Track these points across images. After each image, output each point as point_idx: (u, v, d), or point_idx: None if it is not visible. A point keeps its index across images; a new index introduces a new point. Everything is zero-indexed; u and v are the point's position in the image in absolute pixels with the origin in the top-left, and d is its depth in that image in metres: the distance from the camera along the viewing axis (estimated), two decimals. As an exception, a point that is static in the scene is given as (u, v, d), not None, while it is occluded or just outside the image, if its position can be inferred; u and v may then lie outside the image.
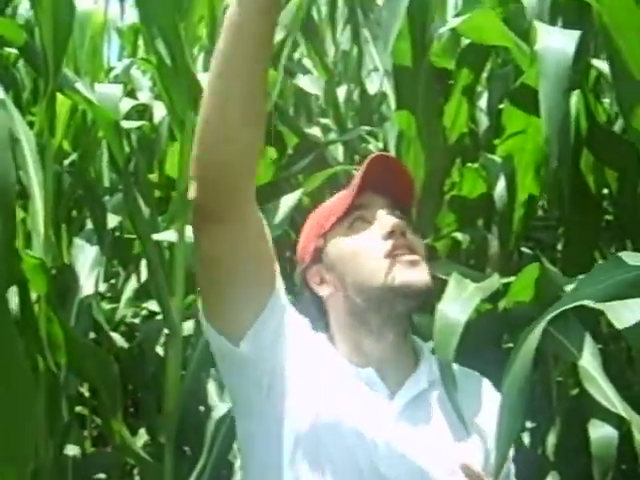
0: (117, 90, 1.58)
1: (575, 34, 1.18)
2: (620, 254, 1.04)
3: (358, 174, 1.05)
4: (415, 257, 1.02)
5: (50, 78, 1.40)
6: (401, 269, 1.00)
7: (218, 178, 0.88)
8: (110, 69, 2.42)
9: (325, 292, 1.05)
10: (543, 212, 2.14)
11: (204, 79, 1.65)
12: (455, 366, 1.05)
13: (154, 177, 2.16)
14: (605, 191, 1.85)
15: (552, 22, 1.47)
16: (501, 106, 1.71)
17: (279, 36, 1.64)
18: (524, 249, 1.96)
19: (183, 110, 1.59)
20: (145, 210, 1.60)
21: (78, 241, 1.76)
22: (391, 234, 1.01)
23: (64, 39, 1.38)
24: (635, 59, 1.00)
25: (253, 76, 0.86)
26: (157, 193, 2.22)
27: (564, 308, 1.04)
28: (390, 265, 1.00)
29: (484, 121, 1.89)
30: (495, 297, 1.39)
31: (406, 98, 1.48)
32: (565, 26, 1.43)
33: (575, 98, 1.44)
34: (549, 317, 1.06)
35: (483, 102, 1.94)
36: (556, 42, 1.17)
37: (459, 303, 1.18)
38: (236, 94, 0.86)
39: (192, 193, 0.90)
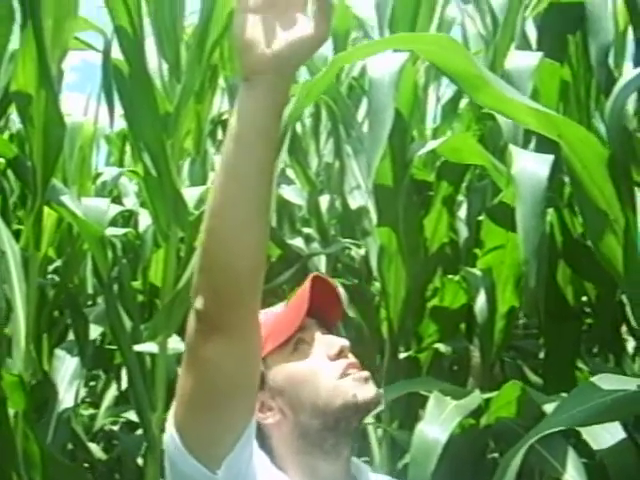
0: (103, 204, 1.61)
1: (549, 158, 1.23)
2: (597, 377, 1.06)
3: (301, 297, 1.05)
4: (367, 373, 1.05)
5: (38, 194, 1.42)
6: (359, 386, 1.02)
7: (224, 287, 0.87)
8: (97, 175, 2.46)
9: (270, 420, 1.04)
10: (525, 319, 2.16)
11: (189, 193, 1.70)
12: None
13: (138, 284, 2.17)
14: (584, 298, 1.88)
15: (526, 141, 1.54)
16: (480, 218, 1.76)
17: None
18: (506, 358, 1.97)
19: (167, 223, 1.61)
20: (127, 321, 1.60)
21: (59, 352, 1.75)
22: (340, 354, 1.03)
23: (54, 157, 1.42)
24: (600, 190, 1.04)
25: (260, 183, 0.86)
26: (140, 298, 2.22)
27: (546, 432, 1.04)
28: (348, 384, 1.02)
29: (464, 231, 1.93)
30: (477, 413, 1.39)
31: (387, 215, 1.52)
32: (538, 145, 1.50)
33: (550, 213, 1.49)
34: (532, 440, 1.06)
35: (463, 212, 2.00)
36: (531, 166, 1.22)
37: (439, 423, 1.19)
38: (243, 201, 0.85)
39: (197, 302, 0.90)
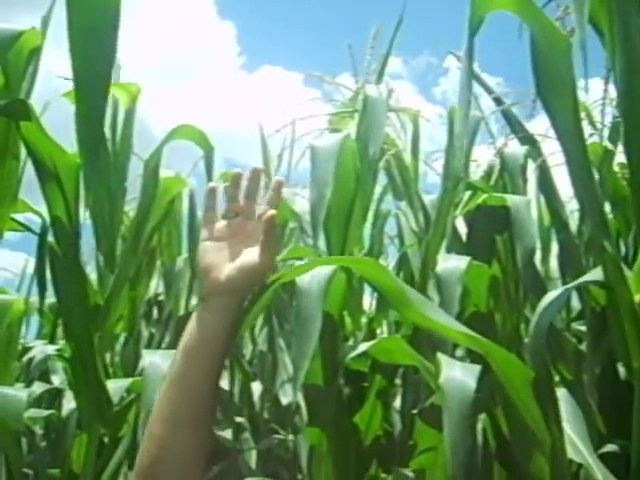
0: (23, 395, 1.53)
1: (476, 369, 1.24)
2: None
3: None
4: None
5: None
6: None
7: None
8: (25, 349, 2.38)
9: None
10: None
11: (114, 385, 1.64)
12: None
13: (57, 472, 2.04)
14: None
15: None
16: (415, 411, 1.74)
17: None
18: None
19: (89, 415, 1.55)
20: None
21: None
22: None
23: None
24: (527, 409, 1.04)
25: (206, 392, 0.86)
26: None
27: None
28: None
29: (399, 423, 1.90)
30: None
31: (318, 416, 1.49)
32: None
33: (482, 419, 1.47)
34: None
35: (398, 402, 1.97)
36: (459, 377, 1.22)
37: None
38: (188, 410, 0.85)
39: None
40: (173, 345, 1.54)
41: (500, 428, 1.58)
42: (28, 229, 1.85)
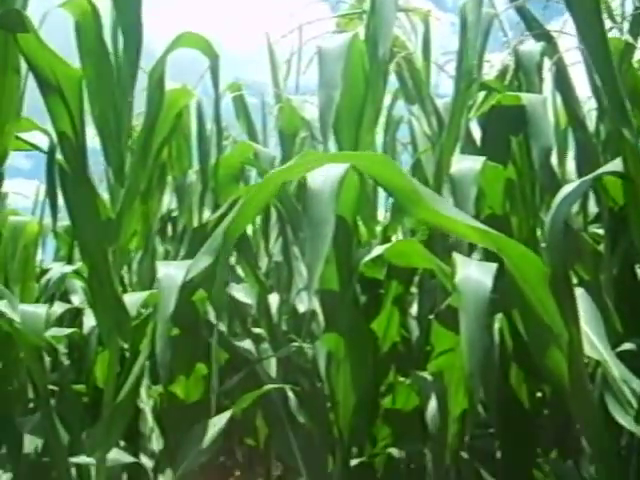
0: (42, 310, 1.54)
1: (492, 267, 1.22)
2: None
3: None
4: None
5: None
6: None
7: None
8: (44, 271, 2.40)
9: None
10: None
11: (131, 299, 1.64)
12: None
13: (82, 388, 2.08)
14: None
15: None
16: (431, 317, 1.74)
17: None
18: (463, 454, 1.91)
19: (108, 329, 1.56)
20: (64, 435, 1.53)
21: (-10, 470, 1.65)
22: None
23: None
24: (542, 305, 1.03)
25: None
26: (85, 399, 2.13)
27: None
28: None
29: (416, 328, 1.91)
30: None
31: (334, 321, 1.49)
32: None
33: (500, 318, 1.47)
34: None
35: (415, 308, 1.98)
36: (474, 276, 1.20)
37: None
38: None
39: None
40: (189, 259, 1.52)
41: (517, 328, 1.58)
42: (35, 147, 1.83)
